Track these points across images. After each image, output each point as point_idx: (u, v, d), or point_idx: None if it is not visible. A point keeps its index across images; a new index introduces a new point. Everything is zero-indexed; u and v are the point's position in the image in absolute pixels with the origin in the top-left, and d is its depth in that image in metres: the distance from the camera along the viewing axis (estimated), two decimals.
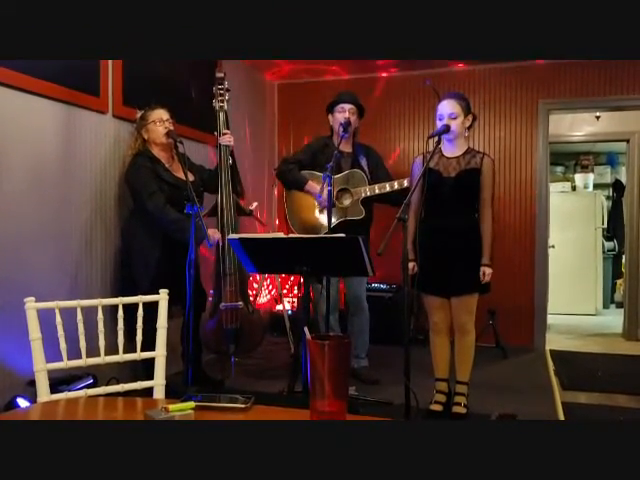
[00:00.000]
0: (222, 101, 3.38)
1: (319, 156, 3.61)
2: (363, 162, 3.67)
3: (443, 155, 2.98)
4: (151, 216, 3.02)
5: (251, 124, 5.01)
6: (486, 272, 2.91)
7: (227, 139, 3.36)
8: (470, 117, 2.96)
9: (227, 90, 3.40)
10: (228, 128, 3.40)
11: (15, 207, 2.66)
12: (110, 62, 3.21)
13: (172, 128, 3.14)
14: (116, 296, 1.76)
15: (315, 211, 3.61)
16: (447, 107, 2.90)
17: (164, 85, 3.69)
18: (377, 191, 3.49)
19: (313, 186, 3.54)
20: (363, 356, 3.78)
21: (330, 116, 3.70)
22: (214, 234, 3.16)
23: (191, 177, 3.21)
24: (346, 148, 3.65)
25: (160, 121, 3.12)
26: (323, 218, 3.49)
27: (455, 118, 2.88)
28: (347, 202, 3.51)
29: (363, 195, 3.48)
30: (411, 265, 2.94)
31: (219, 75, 3.40)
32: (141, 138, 3.13)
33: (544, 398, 3.40)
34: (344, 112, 3.59)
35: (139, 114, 3.19)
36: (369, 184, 3.53)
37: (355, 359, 3.74)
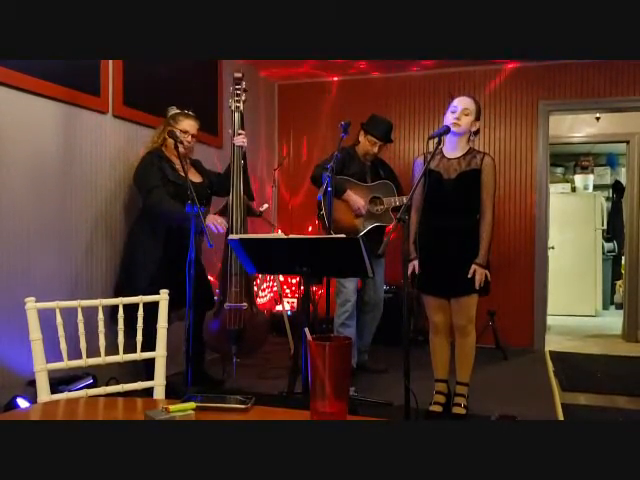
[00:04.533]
0: (239, 101, 3.37)
1: (344, 166, 3.70)
2: (381, 172, 3.87)
3: (444, 156, 2.97)
4: (151, 212, 3.03)
5: (251, 124, 5.00)
6: (477, 271, 2.87)
7: (241, 140, 3.35)
8: (477, 124, 2.97)
9: (244, 90, 3.39)
10: (243, 128, 3.39)
11: (15, 207, 2.66)
12: (110, 62, 3.21)
13: (192, 145, 3.19)
14: (115, 296, 1.76)
15: (352, 215, 3.69)
16: (464, 102, 2.91)
17: (164, 85, 3.69)
18: (405, 201, 3.65)
19: (351, 195, 3.64)
20: (365, 350, 3.94)
21: (362, 133, 3.78)
22: (214, 219, 3.11)
23: (199, 179, 3.22)
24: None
25: (186, 133, 3.15)
26: (360, 221, 3.68)
27: (468, 115, 2.90)
28: (380, 209, 3.67)
29: (393, 205, 3.67)
30: (413, 264, 2.93)
31: (237, 75, 3.38)
32: (164, 135, 3.13)
33: (544, 399, 3.39)
34: (375, 145, 3.73)
35: (172, 112, 3.21)
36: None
37: (358, 354, 3.87)
